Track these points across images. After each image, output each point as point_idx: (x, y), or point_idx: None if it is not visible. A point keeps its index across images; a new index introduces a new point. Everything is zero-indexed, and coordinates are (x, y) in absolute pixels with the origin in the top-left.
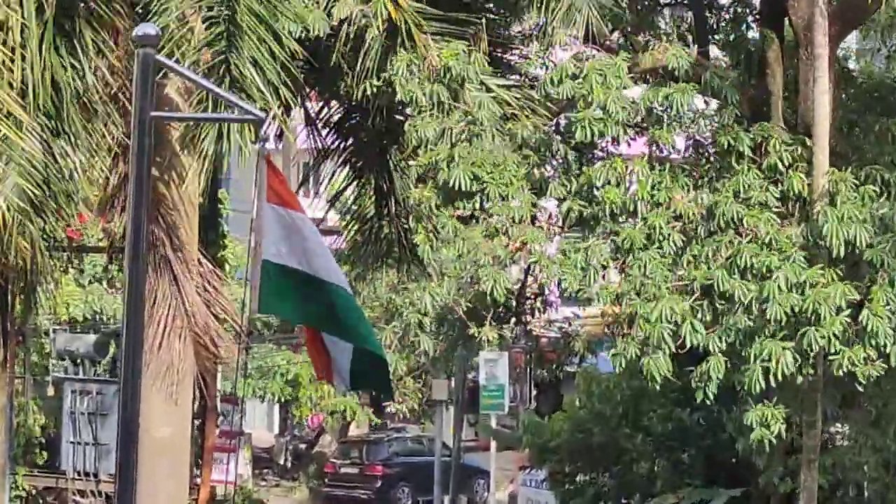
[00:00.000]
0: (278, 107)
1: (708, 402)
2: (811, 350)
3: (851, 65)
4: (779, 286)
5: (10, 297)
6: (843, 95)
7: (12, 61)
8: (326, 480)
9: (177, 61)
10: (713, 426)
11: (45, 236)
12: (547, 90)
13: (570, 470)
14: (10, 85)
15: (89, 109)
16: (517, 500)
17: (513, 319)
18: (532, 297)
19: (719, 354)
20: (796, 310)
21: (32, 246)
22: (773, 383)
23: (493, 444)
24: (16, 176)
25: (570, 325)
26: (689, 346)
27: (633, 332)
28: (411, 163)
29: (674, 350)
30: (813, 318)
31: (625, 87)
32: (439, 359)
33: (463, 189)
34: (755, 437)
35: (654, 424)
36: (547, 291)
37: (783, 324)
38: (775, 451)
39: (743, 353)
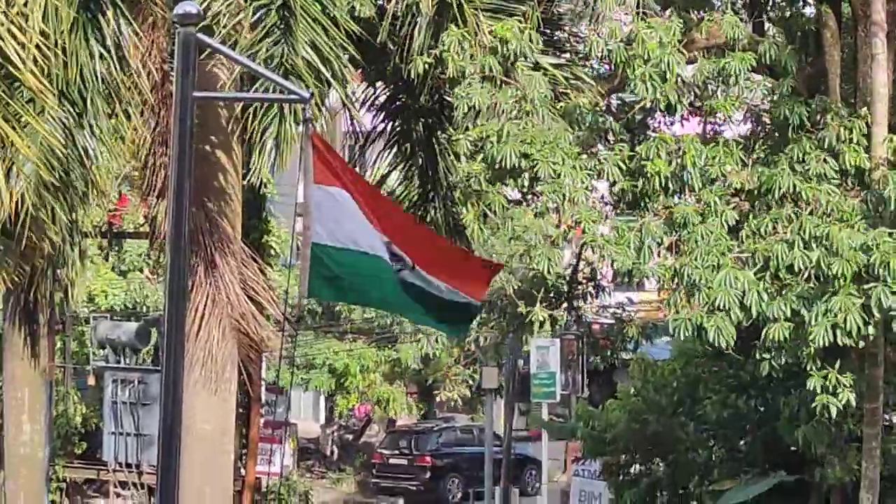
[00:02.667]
0: (329, 88)
1: (770, 383)
2: (881, 308)
3: None
4: (841, 248)
5: (47, 286)
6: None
7: (38, 47)
8: (374, 472)
9: (224, 42)
10: (771, 413)
11: (72, 222)
12: (596, 54)
13: (625, 460)
14: (35, 69)
15: (115, 94)
16: (569, 493)
17: (564, 304)
18: (584, 281)
19: (783, 321)
20: (863, 266)
21: (62, 232)
22: (839, 341)
23: (545, 434)
24: (37, 162)
25: (623, 310)
26: (754, 315)
27: (693, 303)
28: (460, 136)
29: (739, 317)
30: (881, 274)
31: (679, 53)
32: (489, 347)
33: (513, 167)
34: (819, 403)
35: (710, 412)
36: (599, 276)
37: (850, 281)
38: (835, 439)
39: (808, 319)
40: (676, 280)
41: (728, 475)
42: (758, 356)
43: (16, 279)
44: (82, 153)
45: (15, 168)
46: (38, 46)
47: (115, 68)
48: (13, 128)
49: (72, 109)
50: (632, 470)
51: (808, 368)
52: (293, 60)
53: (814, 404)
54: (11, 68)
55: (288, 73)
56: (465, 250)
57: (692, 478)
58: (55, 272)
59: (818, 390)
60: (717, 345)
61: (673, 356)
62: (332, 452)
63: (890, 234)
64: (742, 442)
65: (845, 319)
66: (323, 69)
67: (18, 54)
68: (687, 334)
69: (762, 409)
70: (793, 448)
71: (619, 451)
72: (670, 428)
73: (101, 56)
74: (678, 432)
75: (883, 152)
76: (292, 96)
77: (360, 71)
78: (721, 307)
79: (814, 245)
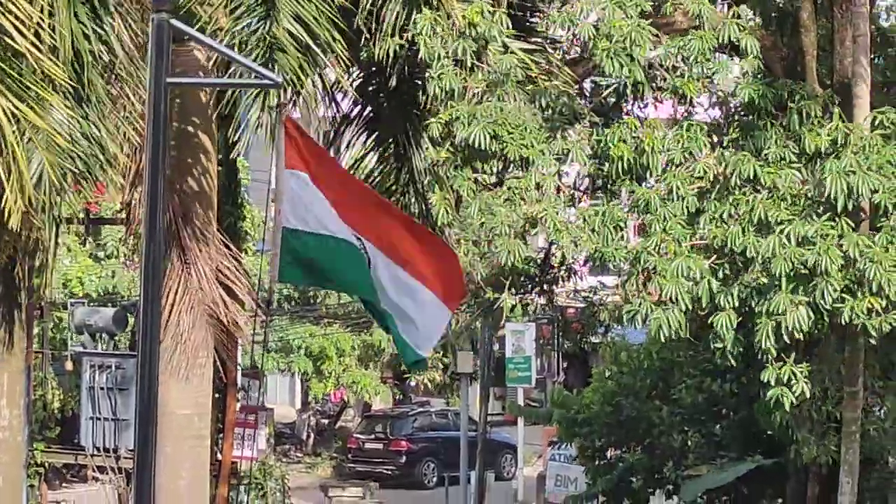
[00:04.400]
0: (314, 70)
1: (734, 367)
2: (825, 304)
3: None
4: (787, 239)
5: (26, 272)
6: (874, 56)
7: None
8: (350, 456)
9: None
10: (746, 397)
11: (60, 210)
12: (561, 30)
13: (600, 445)
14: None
15: (107, 77)
16: (545, 477)
17: (536, 289)
18: (556, 266)
19: (730, 310)
20: (804, 263)
21: (49, 219)
22: (786, 338)
23: (521, 419)
24: (42, 150)
25: (595, 294)
26: (704, 304)
27: (649, 288)
28: (431, 120)
29: (690, 307)
30: (821, 272)
31: (645, 31)
32: (461, 331)
33: (482, 148)
34: (772, 395)
35: (685, 396)
36: (570, 260)
37: (793, 277)
38: (815, 423)
39: (756, 311)
40: (635, 265)
41: (703, 460)
42: (711, 345)
43: None
44: (89, 137)
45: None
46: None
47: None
48: (29, 106)
49: (72, 92)
50: (607, 454)
51: (764, 360)
52: (277, 40)
53: (767, 396)
54: (11, 41)
55: (272, 52)
56: (446, 245)
57: (667, 462)
58: (44, 258)
59: (772, 383)
60: (663, 336)
61: (648, 340)
62: (308, 437)
63: (833, 226)
64: (717, 426)
65: (790, 318)
66: (311, 44)
67: (20, 31)
68: (639, 325)
69: (737, 392)
70: (769, 432)
71: (594, 435)
72: (645, 412)
73: (97, 36)
74: (653, 416)
75: (865, 132)
76: (265, 81)
77: (334, 56)
78: (671, 298)
79: (765, 232)
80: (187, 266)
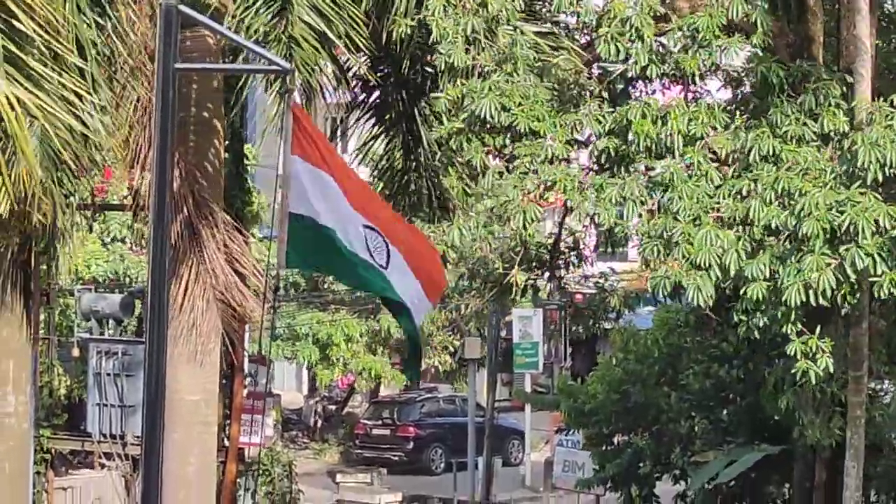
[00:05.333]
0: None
1: (741, 352)
2: (855, 270)
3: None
4: (816, 204)
5: (33, 257)
6: (879, 42)
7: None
8: (357, 442)
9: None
10: (753, 383)
11: (67, 194)
12: (564, 10)
13: (608, 431)
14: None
15: (111, 64)
16: (553, 462)
17: (546, 274)
18: (566, 250)
19: (761, 281)
20: (835, 226)
21: (55, 205)
22: (812, 302)
23: (528, 405)
24: (40, 134)
25: (605, 280)
26: (732, 274)
27: (670, 261)
28: (439, 96)
29: (718, 276)
30: (853, 235)
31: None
32: (471, 315)
33: (492, 119)
34: (799, 368)
35: (692, 383)
36: (582, 245)
37: (822, 241)
38: (820, 406)
39: (781, 278)
40: (655, 238)
41: (710, 446)
42: (736, 318)
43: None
44: (89, 120)
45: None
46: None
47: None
48: (26, 88)
49: (71, 77)
50: (615, 440)
51: (788, 333)
52: (293, 28)
53: (793, 370)
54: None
55: (290, 47)
56: (428, 241)
57: (674, 448)
58: (51, 244)
59: (798, 356)
60: (696, 304)
61: (655, 326)
62: (315, 423)
63: (862, 194)
64: (724, 412)
65: (818, 280)
66: (328, 32)
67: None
68: (666, 292)
69: (744, 378)
70: (775, 418)
71: (602, 423)
72: (653, 399)
73: (97, 25)
74: (661, 403)
75: (862, 116)
76: (275, 67)
77: (346, 42)
78: (701, 265)
79: (788, 202)
80: (199, 251)
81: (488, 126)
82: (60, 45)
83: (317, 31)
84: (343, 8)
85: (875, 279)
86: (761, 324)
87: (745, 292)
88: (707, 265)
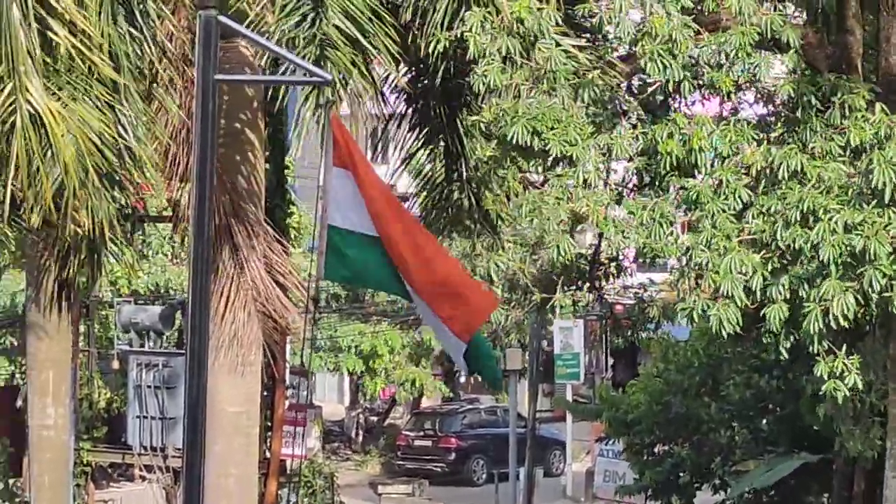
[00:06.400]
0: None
1: (781, 362)
2: (873, 291)
3: None
4: (833, 228)
5: (73, 269)
6: None
7: (72, 34)
8: (399, 453)
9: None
10: (793, 393)
11: (111, 206)
12: (606, 29)
13: (648, 441)
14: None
15: (148, 76)
16: (594, 473)
17: (586, 286)
18: (606, 262)
19: (781, 302)
20: (851, 250)
21: (93, 217)
22: (833, 325)
23: (570, 415)
24: (79, 143)
25: (645, 291)
26: (758, 297)
27: (702, 286)
28: (476, 118)
29: (746, 302)
30: (870, 258)
31: (688, 28)
32: (511, 327)
33: (524, 145)
34: (828, 389)
35: (732, 393)
36: (621, 256)
37: (840, 265)
38: (859, 417)
39: (805, 297)
40: (686, 262)
41: (750, 455)
42: (765, 339)
43: (40, 263)
44: (123, 133)
45: (56, 149)
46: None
47: (148, 49)
48: (62, 103)
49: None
50: (655, 450)
51: (816, 353)
52: (327, 38)
53: (821, 391)
54: (52, 35)
55: (322, 50)
56: (465, 271)
57: (714, 458)
58: (93, 256)
59: (825, 376)
60: (724, 332)
61: (695, 336)
62: (356, 434)
63: (881, 215)
64: (764, 422)
65: (837, 304)
66: (361, 40)
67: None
68: (695, 322)
69: (784, 388)
70: (815, 427)
71: (643, 433)
72: (693, 409)
73: (131, 37)
74: (701, 413)
75: (888, 122)
76: (315, 78)
77: (384, 52)
78: (725, 294)
79: (813, 221)
80: (240, 263)
81: (521, 149)
82: (94, 57)
83: (351, 40)
84: (380, 19)
85: (887, 294)
86: (788, 344)
87: (766, 315)
88: (731, 293)
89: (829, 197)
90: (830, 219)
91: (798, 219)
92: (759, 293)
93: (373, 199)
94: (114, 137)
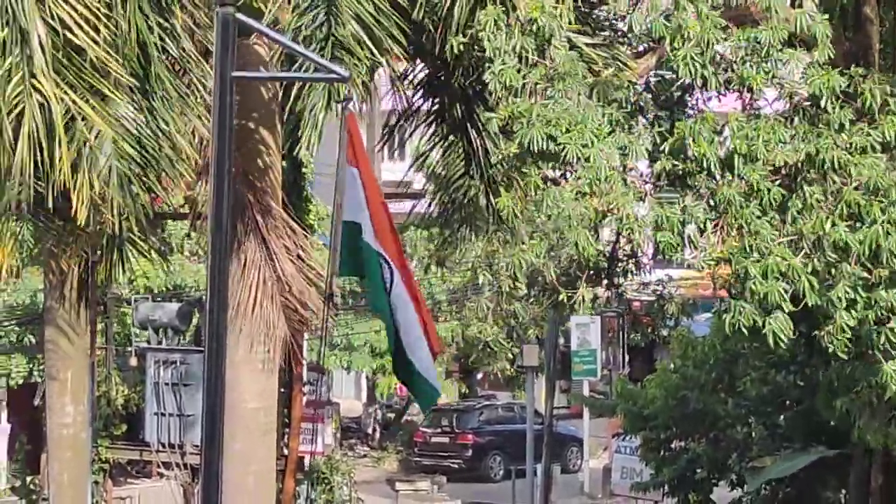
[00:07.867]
0: (372, 66)
1: (809, 358)
2: None
3: None
4: (887, 231)
5: (91, 266)
6: None
7: (98, 20)
8: (416, 450)
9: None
10: (810, 388)
11: (133, 206)
12: (636, 30)
13: (665, 437)
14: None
15: (173, 71)
16: (611, 469)
17: (605, 282)
18: (624, 259)
19: (841, 310)
20: None
21: (119, 213)
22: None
23: (586, 412)
24: (111, 143)
25: (663, 287)
26: (810, 305)
27: (745, 294)
28: (492, 116)
29: (792, 309)
30: None
31: (717, 28)
32: (528, 322)
33: (541, 151)
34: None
35: (749, 388)
36: (640, 253)
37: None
38: (877, 411)
39: (863, 306)
40: (727, 265)
41: (767, 451)
42: (825, 344)
43: (64, 264)
44: (157, 131)
45: (89, 149)
46: (97, 17)
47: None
48: (91, 105)
49: (138, 88)
50: (672, 446)
51: (877, 356)
52: (339, 34)
53: (887, 397)
54: (72, 36)
55: (335, 48)
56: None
57: (731, 454)
58: (117, 253)
59: (891, 382)
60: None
61: (712, 332)
62: (374, 431)
63: None
64: (781, 418)
65: None
66: (370, 43)
67: (82, 28)
68: (743, 334)
69: (801, 384)
70: (832, 422)
71: (659, 428)
72: (710, 405)
73: (159, 35)
74: (718, 409)
75: None
76: (332, 75)
77: (398, 49)
78: (773, 305)
79: (863, 217)
80: (267, 257)
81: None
82: (113, 59)
83: (362, 34)
84: (390, 17)
85: None
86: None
87: (834, 319)
88: (776, 305)
89: (874, 198)
90: (881, 221)
91: (843, 216)
92: (811, 299)
93: (371, 201)
94: (148, 136)
